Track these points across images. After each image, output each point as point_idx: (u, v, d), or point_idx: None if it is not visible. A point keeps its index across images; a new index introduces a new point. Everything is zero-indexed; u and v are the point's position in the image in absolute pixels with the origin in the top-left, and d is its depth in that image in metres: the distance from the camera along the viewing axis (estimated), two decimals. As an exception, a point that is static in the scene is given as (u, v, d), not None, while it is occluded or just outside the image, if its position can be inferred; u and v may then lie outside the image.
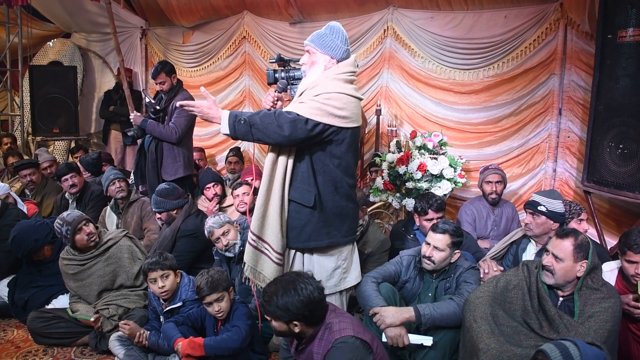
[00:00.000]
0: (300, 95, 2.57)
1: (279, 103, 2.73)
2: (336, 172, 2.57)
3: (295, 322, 2.26)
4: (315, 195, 2.53)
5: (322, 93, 2.47)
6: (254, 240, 2.58)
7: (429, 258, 2.85)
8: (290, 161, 2.54)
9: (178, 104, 3.10)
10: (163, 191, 3.83)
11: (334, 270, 2.67)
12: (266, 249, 2.58)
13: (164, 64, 4.45)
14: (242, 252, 3.32)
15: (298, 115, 2.42)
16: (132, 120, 4.53)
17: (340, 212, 2.61)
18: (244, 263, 2.66)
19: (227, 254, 3.36)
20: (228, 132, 2.48)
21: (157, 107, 4.34)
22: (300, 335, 2.33)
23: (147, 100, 4.47)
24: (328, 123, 2.46)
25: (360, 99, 2.64)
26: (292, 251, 2.67)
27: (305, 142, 2.48)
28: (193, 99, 4.40)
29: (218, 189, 4.46)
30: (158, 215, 3.87)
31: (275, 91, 2.71)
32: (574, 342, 2.00)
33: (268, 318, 2.34)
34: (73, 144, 7.25)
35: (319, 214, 2.56)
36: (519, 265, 2.72)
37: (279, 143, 2.48)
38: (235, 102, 6.39)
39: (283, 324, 2.28)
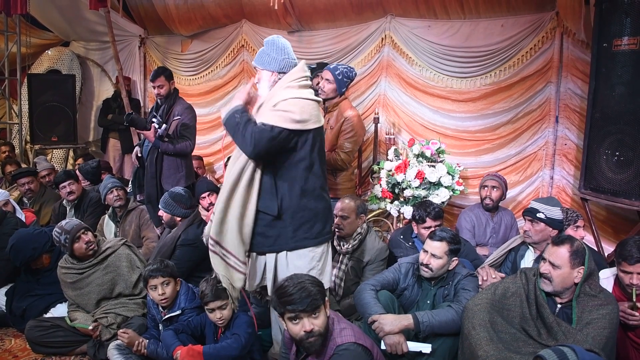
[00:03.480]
0: (259, 108, 2.63)
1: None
2: (303, 176, 2.61)
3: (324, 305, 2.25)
4: (278, 205, 2.58)
5: (279, 102, 2.54)
6: (213, 245, 2.60)
7: (426, 265, 2.86)
8: (258, 172, 2.58)
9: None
10: (177, 196, 3.84)
11: (309, 271, 2.65)
12: (225, 254, 2.59)
13: (164, 68, 4.45)
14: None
15: (263, 124, 2.49)
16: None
17: (308, 215, 2.64)
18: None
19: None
20: (222, 119, 2.63)
21: (162, 127, 4.26)
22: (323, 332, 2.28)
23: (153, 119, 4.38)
24: (290, 128, 2.51)
25: (318, 102, 2.69)
26: (262, 256, 2.69)
27: (271, 150, 2.51)
28: (192, 108, 4.43)
29: (213, 198, 4.45)
30: (161, 213, 3.86)
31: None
32: (571, 348, 2.01)
33: (294, 320, 2.22)
34: (72, 153, 7.26)
35: (284, 221, 2.61)
36: (517, 272, 2.73)
37: (247, 154, 2.52)
38: (234, 110, 6.39)
39: (324, 311, 2.25)
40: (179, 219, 3.83)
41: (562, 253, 2.47)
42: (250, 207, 2.59)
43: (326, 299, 2.32)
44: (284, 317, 2.25)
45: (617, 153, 3.66)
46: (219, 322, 2.79)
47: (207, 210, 4.41)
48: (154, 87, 4.38)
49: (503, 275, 3.13)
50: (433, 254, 2.85)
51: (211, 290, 2.74)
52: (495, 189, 4.12)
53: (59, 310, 3.49)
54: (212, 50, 6.47)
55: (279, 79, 2.66)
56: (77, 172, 5.18)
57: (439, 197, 4.18)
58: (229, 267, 2.59)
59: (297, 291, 2.18)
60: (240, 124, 2.52)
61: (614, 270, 2.90)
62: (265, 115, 2.52)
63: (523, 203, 4.74)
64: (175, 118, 4.29)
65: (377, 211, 4.60)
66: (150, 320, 3.17)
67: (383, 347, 2.57)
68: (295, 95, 2.56)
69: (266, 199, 2.59)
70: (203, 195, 4.45)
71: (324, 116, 3.81)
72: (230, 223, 2.56)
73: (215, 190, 4.58)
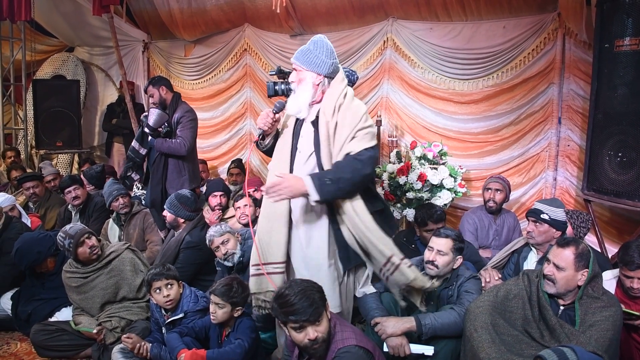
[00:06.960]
0: (336, 127, 2.54)
1: (277, 124, 2.75)
2: None
3: (325, 311, 2.25)
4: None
5: (360, 119, 2.52)
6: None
7: (432, 262, 2.84)
8: None
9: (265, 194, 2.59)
10: (182, 198, 3.87)
11: (329, 267, 2.69)
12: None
13: (153, 78, 4.50)
14: (241, 262, 3.34)
15: (365, 149, 2.49)
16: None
17: None
18: None
19: (225, 263, 3.38)
20: (319, 199, 2.44)
21: (163, 130, 4.32)
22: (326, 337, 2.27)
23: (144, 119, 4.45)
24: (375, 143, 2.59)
25: None
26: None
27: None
28: (193, 112, 4.44)
29: (223, 200, 4.47)
30: (165, 213, 3.89)
31: (272, 112, 2.68)
32: (571, 348, 2.01)
33: (298, 330, 2.20)
34: (77, 158, 7.30)
35: None
36: (519, 274, 2.73)
37: (365, 182, 2.55)
38: (237, 114, 6.43)
39: (326, 316, 2.25)
40: (182, 220, 3.84)
41: (567, 255, 2.46)
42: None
43: (327, 303, 2.31)
44: (287, 326, 2.24)
45: (619, 154, 3.64)
46: (212, 316, 2.79)
47: (213, 209, 4.42)
48: (148, 97, 4.43)
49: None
50: (439, 250, 2.83)
51: (222, 290, 2.75)
52: (498, 192, 4.11)
53: (64, 314, 3.51)
54: (215, 55, 6.49)
55: (327, 84, 2.59)
56: (82, 176, 5.21)
57: (441, 199, 4.17)
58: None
59: (299, 300, 2.16)
60: (339, 175, 2.44)
61: (615, 272, 2.90)
62: (359, 140, 2.50)
63: (526, 205, 4.72)
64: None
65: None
66: (153, 324, 3.18)
67: (385, 349, 2.57)
68: (361, 107, 2.59)
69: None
70: (215, 194, 4.44)
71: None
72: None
73: (228, 192, 4.59)
